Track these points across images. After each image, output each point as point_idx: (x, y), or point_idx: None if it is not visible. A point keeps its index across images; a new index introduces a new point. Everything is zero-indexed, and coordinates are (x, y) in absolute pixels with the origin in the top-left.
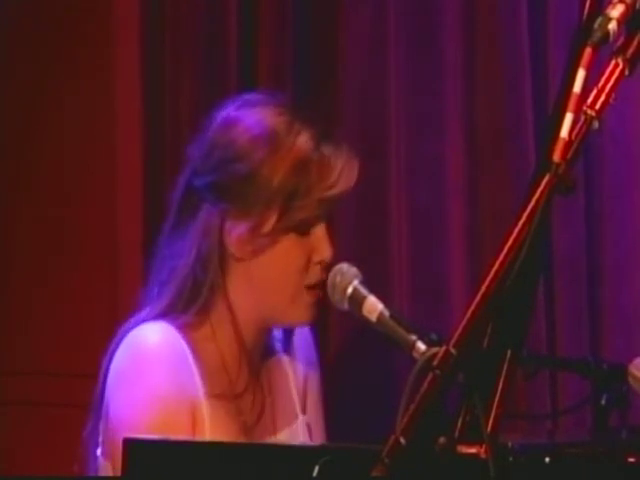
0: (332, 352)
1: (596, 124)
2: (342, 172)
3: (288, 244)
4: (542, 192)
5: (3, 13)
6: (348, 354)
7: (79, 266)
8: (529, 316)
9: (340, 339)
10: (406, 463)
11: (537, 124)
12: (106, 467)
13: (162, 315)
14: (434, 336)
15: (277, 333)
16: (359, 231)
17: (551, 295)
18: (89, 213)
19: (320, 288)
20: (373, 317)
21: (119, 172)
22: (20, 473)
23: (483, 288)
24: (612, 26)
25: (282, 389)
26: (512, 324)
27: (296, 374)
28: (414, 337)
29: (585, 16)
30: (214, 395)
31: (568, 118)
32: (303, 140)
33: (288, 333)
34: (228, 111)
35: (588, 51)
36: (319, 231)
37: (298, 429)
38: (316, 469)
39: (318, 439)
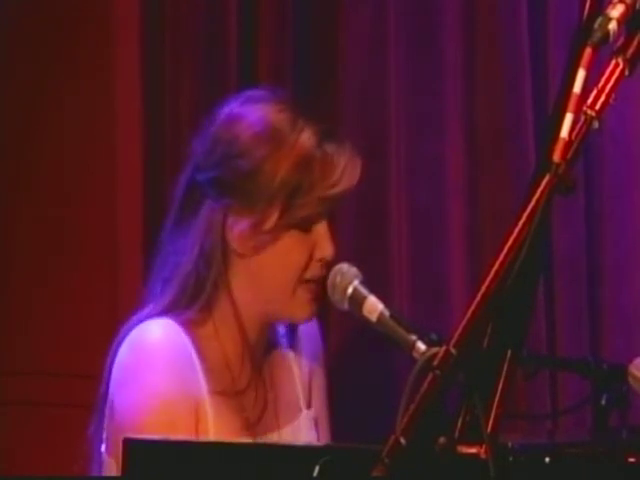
0: (332, 352)
1: (596, 124)
2: (345, 170)
3: (290, 241)
4: (542, 192)
5: (3, 13)
6: (348, 354)
7: (79, 266)
8: (529, 316)
9: (340, 339)
10: (406, 463)
11: (537, 124)
12: (110, 464)
13: (165, 312)
14: (434, 336)
15: (281, 328)
16: (359, 231)
17: (551, 295)
18: (89, 213)
19: (319, 283)
20: (373, 317)
21: (119, 172)
22: (20, 473)
23: (483, 288)
24: (612, 26)
25: (286, 384)
26: (512, 324)
27: (301, 368)
28: (414, 337)
29: (585, 16)
30: (217, 392)
31: (568, 118)
32: (306, 137)
33: (292, 327)
34: (231, 107)
35: (588, 51)
36: (321, 228)
37: (302, 424)
38: (316, 469)
39: (323, 433)
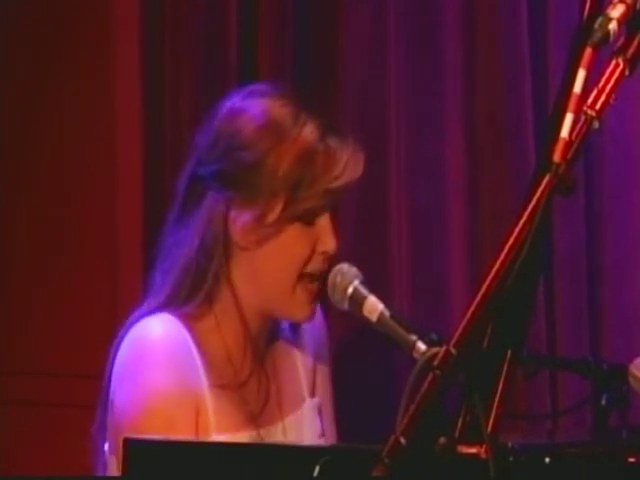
0: (332, 352)
1: (596, 124)
2: (348, 164)
3: (293, 234)
4: (542, 192)
5: (3, 13)
6: (348, 354)
7: (79, 266)
8: (529, 316)
9: (340, 339)
10: (406, 463)
11: (537, 124)
12: (112, 462)
13: (165, 304)
14: (434, 336)
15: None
16: (359, 231)
17: (551, 295)
18: (89, 213)
19: (319, 281)
20: (373, 317)
21: (119, 172)
22: (20, 473)
23: (483, 288)
24: (612, 26)
25: (288, 374)
26: (512, 324)
27: (304, 357)
28: (414, 337)
29: (585, 16)
30: (218, 386)
31: (568, 118)
32: (309, 131)
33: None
34: (234, 101)
35: (588, 51)
36: (324, 221)
37: (305, 413)
38: (316, 469)
39: (328, 421)
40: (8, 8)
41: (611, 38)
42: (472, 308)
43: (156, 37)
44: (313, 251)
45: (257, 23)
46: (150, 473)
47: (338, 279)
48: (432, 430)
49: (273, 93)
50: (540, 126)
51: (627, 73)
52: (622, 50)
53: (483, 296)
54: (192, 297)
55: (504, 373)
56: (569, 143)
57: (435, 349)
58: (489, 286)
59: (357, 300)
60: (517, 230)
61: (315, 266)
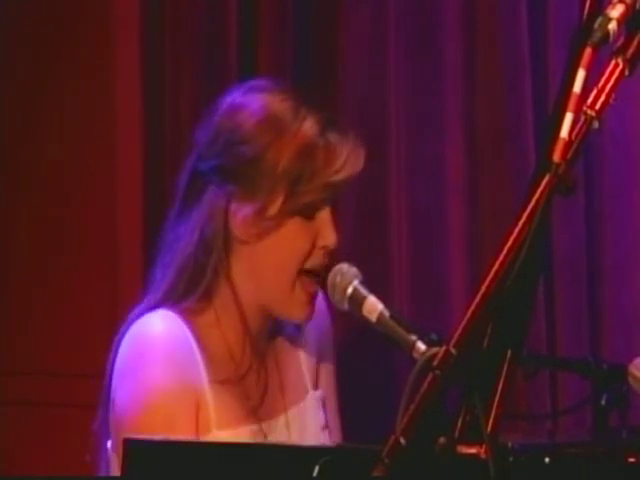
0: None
1: (596, 124)
2: (348, 158)
3: (293, 227)
4: (542, 192)
5: (3, 13)
6: (348, 354)
7: (79, 266)
8: (529, 316)
9: (340, 339)
10: (406, 463)
11: (537, 124)
12: (114, 460)
13: (165, 300)
14: (434, 336)
15: None
16: (359, 231)
17: (551, 295)
18: (89, 213)
19: (319, 275)
20: (373, 317)
21: (119, 172)
22: (20, 473)
23: (483, 288)
24: (612, 26)
25: (291, 367)
26: (512, 324)
27: (307, 350)
28: (414, 337)
29: (585, 16)
30: (219, 381)
31: (568, 118)
32: (308, 126)
33: None
34: (234, 97)
35: (588, 51)
36: (324, 215)
37: (308, 405)
38: (316, 469)
39: (331, 414)
40: (8, 8)
41: (611, 38)
42: (472, 308)
43: (156, 37)
44: (313, 246)
45: (257, 23)
46: (150, 473)
47: (338, 279)
48: (432, 430)
49: (273, 88)
50: (540, 126)
51: (627, 73)
52: (622, 50)
53: (483, 296)
54: (191, 292)
55: (504, 373)
56: (569, 143)
57: (435, 349)
58: (489, 286)
59: (357, 300)
60: (517, 230)
61: (315, 261)
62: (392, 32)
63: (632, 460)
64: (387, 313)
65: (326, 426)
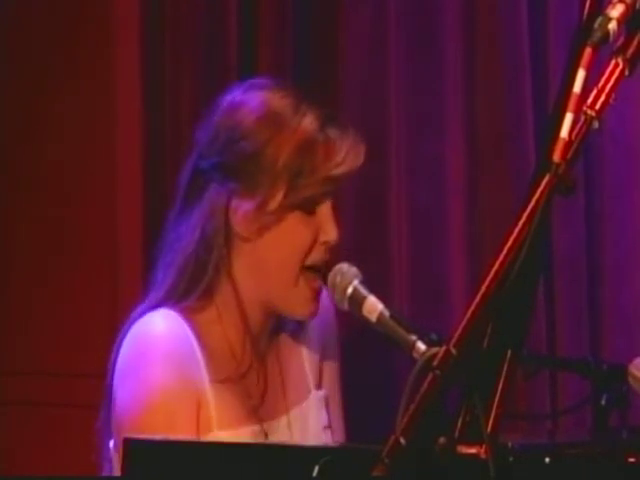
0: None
1: (596, 124)
2: (348, 153)
3: (294, 222)
4: (542, 192)
5: (3, 13)
6: (348, 354)
7: (79, 266)
8: (529, 316)
9: (340, 339)
10: (406, 463)
11: (537, 124)
12: (117, 459)
13: (166, 298)
14: (434, 336)
15: None
16: (359, 231)
17: (551, 295)
18: (89, 213)
19: (322, 271)
20: (373, 317)
21: (119, 172)
22: (20, 473)
23: (483, 288)
24: (612, 26)
25: (294, 366)
26: (512, 324)
27: (311, 349)
28: (414, 337)
29: (585, 16)
30: (220, 380)
31: (568, 118)
32: (308, 121)
33: None
34: (234, 95)
35: (588, 51)
36: (325, 209)
37: (311, 404)
38: (316, 469)
39: (335, 413)
40: (8, 8)
41: (611, 38)
42: (472, 308)
43: (156, 37)
44: (315, 241)
45: (257, 23)
46: (150, 473)
47: (338, 279)
48: (432, 430)
49: (273, 86)
50: (540, 126)
51: (627, 73)
52: (622, 50)
53: (483, 296)
54: (192, 290)
55: (504, 373)
56: (569, 143)
57: (435, 349)
58: (489, 286)
59: (357, 300)
60: (517, 230)
61: (317, 257)
62: (392, 32)
63: (632, 460)
64: (387, 313)
65: (328, 426)
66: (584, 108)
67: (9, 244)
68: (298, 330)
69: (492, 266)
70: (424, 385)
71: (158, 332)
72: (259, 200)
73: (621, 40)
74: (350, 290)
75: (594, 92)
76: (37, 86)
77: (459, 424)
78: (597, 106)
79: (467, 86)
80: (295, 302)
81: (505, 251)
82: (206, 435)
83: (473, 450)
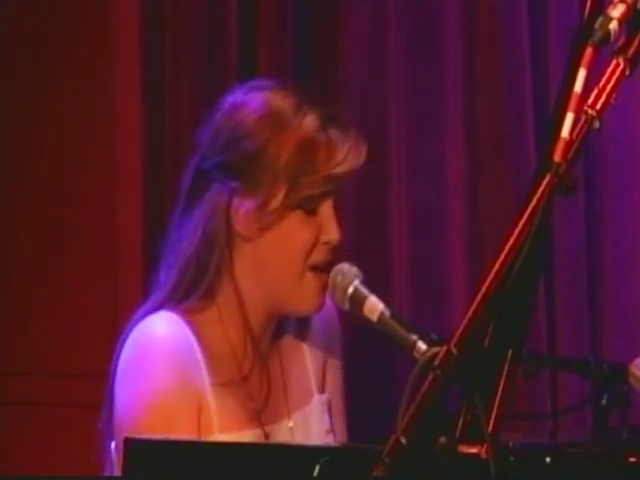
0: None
1: (597, 124)
2: (349, 152)
3: (295, 221)
4: (543, 192)
5: (3, 13)
6: (348, 354)
7: (79, 266)
8: (530, 316)
9: (342, 339)
10: (407, 463)
11: (537, 124)
12: (118, 460)
13: (168, 300)
14: (435, 336)
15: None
16: (359, 231)
17: (552, 295)
18: (89, 213)
19: (325, 270)
20: (374, 317)
21: (119, 172)
22: (20, 473)
23: (484, 288)
24: (613, 26)
25: (297, 370)
26: (513, 324)
27: (314, 352)
28: (415, 337)
29: (586, 16)
30: (221, 383)
31: (569, 118)
32: (310, 121)
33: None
34: (236, 96)
35: (589, 51)
36: (327, 209)
37: (313, 409)
38: (316, 469)
39: (337, 417)
40: (8, 8)
41: (612, 38)
42: (473, 308)
43: (156, 37)
44: (316, 241)
45: (257, 23)
46: (150, 473)
47: (338, 279)
48: (433, 430)
49: (275, 87)
50: (540, 126)
51: (627, 73)
52: (623, 50)
53: (483, 296)
54: (194, 289)
55: (505, 373)
56: (570, 143)
57: (436, 349)
58: (489, 286)
59: (358, 300)
60: (517, 230)
61: (319, 257)
62: (392, 32)
63: (633, 460)
64: (388, 313)
65: (331, 430)
66: (585, 108)
67: (9, 244)
68: (301, 333)
69: (493, 266)
70: (425, 385)
71: (159, 335)
72: (260, 199)
73: (622, 40)
74: (351, 290)
75: (595, 92)
76: (37, 86)
77: (460, 424)
78: (598, 106)
79: (467, 86)
80: (300, 297)
81: (506, 251)
82: (207, 438)
83: (474, 450)
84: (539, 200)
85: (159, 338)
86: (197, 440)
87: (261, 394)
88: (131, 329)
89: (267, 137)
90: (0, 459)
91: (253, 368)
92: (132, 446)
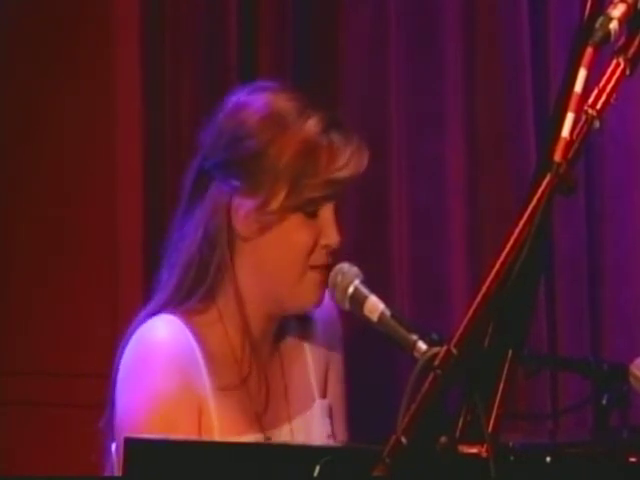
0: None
1: (597, 124)
2: (351, 157)
3: (295, 222)
4: (543, 192)
5: (3, 13)
6: (348, 354)
7: (79, 266)
8: (530, 316)
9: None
10: (407, 463)
11: (537, 124)
12: (118, 462)
13: (170, 301)
14: (435, 336)
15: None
16: (360, 231)
17: (552, 295)
18: (89, 213)
19: (327, 270)
20: (374, 317)
21: (119, 172)
22: (20, 473)
23: (484, 288)
24: (613, 26)
25: (298, 374)
26: (513, 324)
27: (315, 356)
28: (415, 337)
29: (586, 16)
30: (222, 387)
31: (569, 118)
32: (312, 124)
33: (306, 315)
34: (239, 96)
35: (589, 51)
36: (327, 213)
37: (315, 413)
38: (317, 469)
39: (338, 422)
40: (8, 8)
41: (612, 38)
42: (473, 308)
43: (156, 37)
44: (315, 244)
45: (257, 23)
46: (150, 473)
47: (339, 279)
48: (433, 430)
49: (278, 88)
50: (540, 126)
51: (628, 73)
52: (623, 50)
53: (484, 296)
54: (195, 290)
55: (505, 373)
56: (570, 143)
57: (436, 349)
58: (490, 286)
59: (358, 300)
60: (518, 230)
61: (318, 259)
62: (392, 32)
63: (633, 460)
64: (388, 313)
65: (332, 434)
66: (585, 108)
67: (9, 244)
68: (303, 335)
69: (493, 266)
70: (425, 385)
71: (160, 338)
72: (260, 200)
73: (622, 40)
74: (351, 290)
75: (595, 92)
76: (37, 86)
77: (460, 424)
78: (598, 106)
79: (467, 86)
80: (299, 294)
81: (506, 251)
82: None
83: (474, 450)
84: (539, 200)
85: (160, 342)
86: (197, 440)
87: (261, 398)
88: (133, 331)
89: (269, 138)
90: (0, 459)
91: (251, 371)
92: (132, 446)
